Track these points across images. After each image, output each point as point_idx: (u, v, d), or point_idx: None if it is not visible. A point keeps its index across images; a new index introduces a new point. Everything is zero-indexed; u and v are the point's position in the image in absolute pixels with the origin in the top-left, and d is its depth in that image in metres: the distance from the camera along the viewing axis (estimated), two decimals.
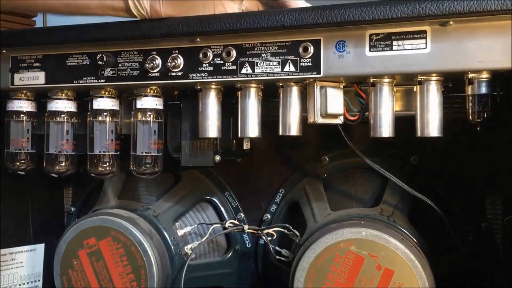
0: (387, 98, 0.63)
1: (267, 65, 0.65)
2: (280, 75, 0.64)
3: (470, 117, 0.62)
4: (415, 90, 0.63)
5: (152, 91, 0.72)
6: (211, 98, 0.70)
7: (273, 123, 0.68)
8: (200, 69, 0.67)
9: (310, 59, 0.63)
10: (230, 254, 0.85)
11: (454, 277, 0.71)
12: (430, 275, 0.64)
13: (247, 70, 0.66)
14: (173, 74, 0.68)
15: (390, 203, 0.74)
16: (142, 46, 0.70)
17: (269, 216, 0.83)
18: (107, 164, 0.76)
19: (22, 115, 0.78)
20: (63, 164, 0.78)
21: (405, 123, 0.65)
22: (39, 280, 0.92)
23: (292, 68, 0.64)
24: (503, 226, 0.70)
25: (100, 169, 0.76)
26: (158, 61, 0.69)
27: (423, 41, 0.59)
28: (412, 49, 0.59)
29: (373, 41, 0.60)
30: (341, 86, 0.66)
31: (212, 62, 0.67)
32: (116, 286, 0.76)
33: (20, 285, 0.89)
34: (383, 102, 0.63)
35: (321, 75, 0.63)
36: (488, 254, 0.74)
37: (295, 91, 0.66)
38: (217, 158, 0.76)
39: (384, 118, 0.63)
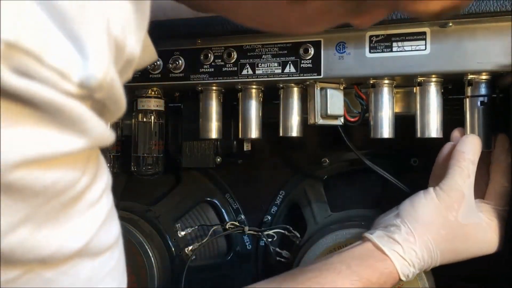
0: (387, 99, 0.63)
1: (267, 66, 0.65)
2: (281, 76, 0.65)
3: None
4: (415, 91, 0.64)
5: (153, 92, 0.72)
6: (212, 100, 0.70)
7: (273, 124, 0.69)
8: (201, 70, 0.68)
9: (310, 61, 0.63)
10: (231, 255, 0.85)
11: (454, 278, 0.71)
12: (431, 276, 0.64)
13: (247, 72, 0.66)
14: (174, 75, 0.69)
15: (390, 204, 0.74)
16: None
17: (269, 217, 0.83)
18: (108, 165, 0.76)
19: None
20: None
21: (405, 124, 0.65)
22: None
23: (293, 69, 0.64)
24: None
25: None
26: (159, 62, 0.69)
27: (423, 42, 0.59)
28: (412, 50, 0.59)
29: (373, 42, 0.61)
30: (342, 88, 0.66)
31: (213, 64, 0.67)
32: None
33: None
34: (383, 103, 0.63)
35: (321, 76, 0.63)
36: (489, 256, 0.74)
37: (295, 92, 0.66)
38: (218, 159, 0.77)
39: (384, 119, 0.63)
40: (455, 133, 0.62)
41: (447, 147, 0.62)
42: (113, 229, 0.32)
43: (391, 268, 0.54)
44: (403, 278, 0.55)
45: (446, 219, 0.57)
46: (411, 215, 0.57)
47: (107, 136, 0.28)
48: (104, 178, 0.31)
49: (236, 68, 0.66)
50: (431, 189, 0.59)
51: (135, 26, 0.31)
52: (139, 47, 0.31)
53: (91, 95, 0.26)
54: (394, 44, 0.60)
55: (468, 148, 0.58)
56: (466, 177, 0.57)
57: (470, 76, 0.60)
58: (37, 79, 0.24)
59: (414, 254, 0.55)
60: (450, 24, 0.58)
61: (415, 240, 0.55)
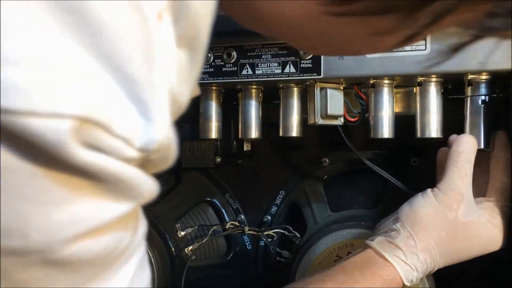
0: (387, 99, 0.63)
1: (267, 67, 0.65)
2: (281, 76, 0.65)
3: None
4: (415, 91, 0.63)
5: None
6: (212, 100, 0.70)
7: (273, 124, 0.69)
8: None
9: (310, 60, 0.63)
10: (231, 256, 0.85)
11: (454, 278, 0.71)
12: (431, 275, 0.64)
13: (247, 72, 0.66)
14: None
15: (390, 204, 0.74)
16: None
17: (269, 217, 0.83)
18: None
19: None
20: None
21: (405, 124, 0.65)
22: None
23: (293, 69, 0.64)
24: None
25: None
26: None
27: (423, 42, 0.59)
28: (411, 50, 0.59)
29: None
30: (341, 88, 0.66)
31: (213, 64, 0.67)
32: None
33: None
34: (383, 103, 0.63)
35: (321, 76, 0.63)
36: (489, 256, 0.74)
37: (295, 92, 0.66)
38: (218, 159, 0.77)
39: (384, 119, 0.63)
40: (453, 137, 0.62)
41: (442, 152, 0.62)
42: (145, 275, 0.31)
43: (393, 275, 0.54)
44: (407, 283, 0.55)
45: (445, 219, 0.56)
46: (411, 218, 0.57)
47: (155, 193, 0.28)
48: (142, 228, 0.30)
49: (236, 68, 0.66)
50: (429, 191, 0.58)
51: (188, 75, 0.30)
52: (189, 94, 0.31)
53: (147, 157, 0.25)
54: None
55: (464, 148, 0.58)
56: (464, 176, 0.57)
57: (470, 76, 0.60)
58: (104, 150, 0.23)
59: (416, 258, 0.55)
60: None
61: (415, 244, 0.55)
